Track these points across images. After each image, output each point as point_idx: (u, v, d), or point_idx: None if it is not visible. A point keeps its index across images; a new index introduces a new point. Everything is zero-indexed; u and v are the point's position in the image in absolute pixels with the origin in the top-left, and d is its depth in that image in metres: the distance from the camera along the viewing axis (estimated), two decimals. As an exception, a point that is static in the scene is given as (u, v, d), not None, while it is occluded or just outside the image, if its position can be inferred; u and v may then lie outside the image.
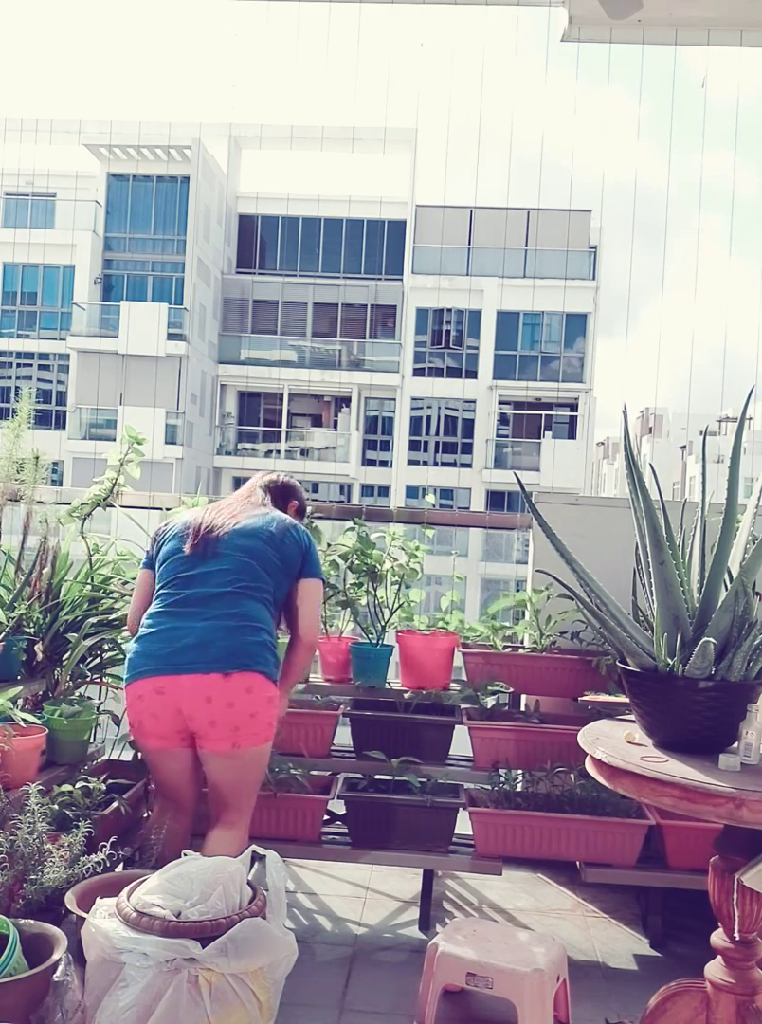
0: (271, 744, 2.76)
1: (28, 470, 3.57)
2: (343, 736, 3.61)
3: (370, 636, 3.70)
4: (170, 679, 2.65)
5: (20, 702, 3.18)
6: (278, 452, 28.44)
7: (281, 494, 3.09)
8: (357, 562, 3.69)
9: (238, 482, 27.87)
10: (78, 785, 2.92)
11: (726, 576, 2.16)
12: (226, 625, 2.69)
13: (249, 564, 2.78)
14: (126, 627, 3.26)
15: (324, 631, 3.74)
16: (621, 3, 4.06)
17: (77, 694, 3.39)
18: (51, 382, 28.07)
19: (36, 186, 26.21)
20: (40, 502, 3.66)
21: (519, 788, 3.46)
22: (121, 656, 3.43)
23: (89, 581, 3.57)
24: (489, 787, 3.35)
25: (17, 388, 27.44)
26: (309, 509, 3.75)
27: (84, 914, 2.23)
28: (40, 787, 2.61)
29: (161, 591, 2.80)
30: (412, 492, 26.50)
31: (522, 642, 3.85)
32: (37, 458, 3.59)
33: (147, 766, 2.88)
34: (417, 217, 28.29)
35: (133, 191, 28.09)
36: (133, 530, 3.75)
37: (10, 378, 27.57)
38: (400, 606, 3.73)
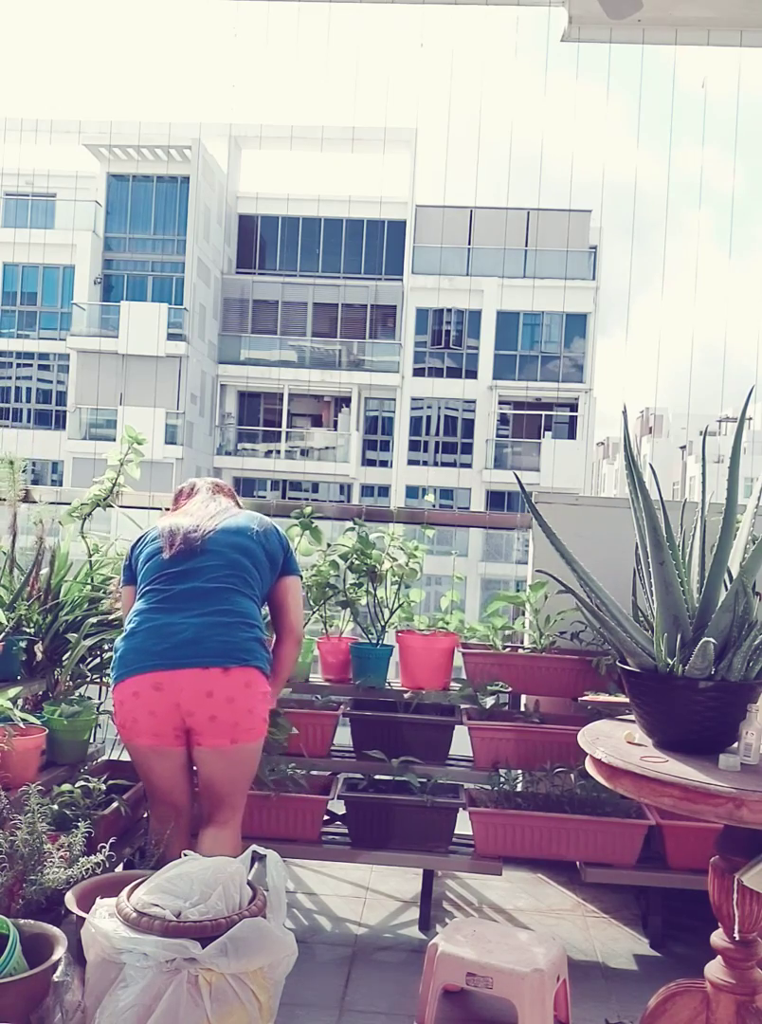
0: (262, 740, 2.77)
1: (4, 471, 3.65)
2: (343, 736, 3.61)
3: (370, 636, 3.71)
4: (168, 674, 2.62)
5: (20, 702, 3.18)
6: (278, 452, 28.44)
7: (231, 495, 3.13)
8: (357, 562, 3.69)
9: (238, 482, 27.93)
10: (78, 785, 2.92)
11: (726, 576, 2.16)
12: (221, 621, 2.68)
13: (240, 561, 2.79)
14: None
15: (324, 631, 3.76)
16: (621, 3, 4.05)
17: (77, 694, 3.39)
18: (51, 382, 28.07)
19: (36, 186, 26.22)
20: (23, 502, 3.71)
21: (519, 788, 3.46)
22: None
23: (89, 581, 3.58)
24: (489, 787, 3.35)
25: (17, 388, 27.53)
26: (309, 509, 3.78)
27: (84, 914, 2.23)
28: (40, 787, 2.60)
29: (148, 589, 2.77)
30: (412, 492, 26.50)
31: (522, 642, 3.85)
32: (12, 462, 3.67)
33: (137, 769, 2.80)
34: (417, 217, 28.28)
35: (133, 191, 28.09)
36: (133, 530, 3.75)
37: (10, 378, 27.57)
38: (400, 606, 3.73)
